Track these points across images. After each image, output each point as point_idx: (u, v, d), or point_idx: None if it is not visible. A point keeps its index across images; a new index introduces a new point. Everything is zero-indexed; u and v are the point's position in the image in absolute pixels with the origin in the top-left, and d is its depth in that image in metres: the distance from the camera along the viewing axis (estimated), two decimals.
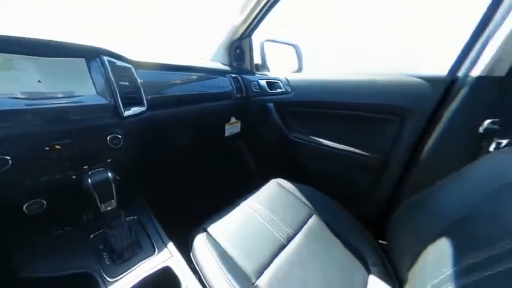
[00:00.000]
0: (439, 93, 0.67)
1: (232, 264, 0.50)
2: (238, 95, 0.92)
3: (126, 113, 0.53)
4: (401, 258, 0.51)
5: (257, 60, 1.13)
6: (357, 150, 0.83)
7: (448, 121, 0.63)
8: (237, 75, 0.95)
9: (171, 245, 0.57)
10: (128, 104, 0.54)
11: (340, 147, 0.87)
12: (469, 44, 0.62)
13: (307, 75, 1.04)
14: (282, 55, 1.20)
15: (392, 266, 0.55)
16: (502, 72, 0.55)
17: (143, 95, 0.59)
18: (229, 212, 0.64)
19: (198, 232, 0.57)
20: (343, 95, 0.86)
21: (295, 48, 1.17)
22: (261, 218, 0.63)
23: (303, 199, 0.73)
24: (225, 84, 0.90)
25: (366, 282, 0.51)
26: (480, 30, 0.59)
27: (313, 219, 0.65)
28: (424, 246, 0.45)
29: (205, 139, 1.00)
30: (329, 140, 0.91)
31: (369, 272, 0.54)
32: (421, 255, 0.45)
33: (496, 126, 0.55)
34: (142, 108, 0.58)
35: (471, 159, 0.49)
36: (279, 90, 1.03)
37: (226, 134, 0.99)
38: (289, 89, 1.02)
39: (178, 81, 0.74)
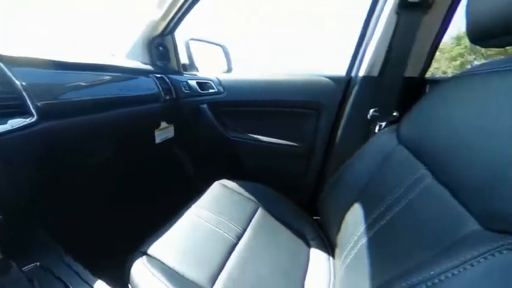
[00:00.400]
0: (341, 90, 0.84)
1: (183, 281, 0.46)
2: (168, 97, 0.85)
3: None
4: (330, 227, 0.62)
5: (184, 60, 1.07)
6: (286, 142, 0.94)
7: (348, 112, 0.81)
8: (162, 76, 0.87)
9: (99, 285, 0.46)
10: (3, 116, 0.40)
11: (273, 141, 0.96)
12: (357, 48, 0.81)
13: (238, 75, 1.08)
14: (210, 55, 1.19)
15: (326, 235, 0.65)
16: (375, 73, 0.76)
17: (29, 102, 0.45)
18: (171, 225, 0.59)
19: (135, 257, 0.49)
20: (270, 93, 0.96)
21: (222, 48, 1.18)
22: (207, 224, 0.61)
23: (248, 195, 0.75)
24: (149, 85, 0.80)
25: (308, 255, 0.59)
26: (363, 35, 0.79)
27: (259, 212, 0.69)
28: (345, 213, 0.56)
29: (130, 150, 0.87)
30: (263, 136, 0.98)
31: (309, 246, 0.62)
32: (343, 221, 0.56)
33: (377, 114, 0.75)
34: (30, 120, 0.44)
35: (365, 140, 0.65)
36: (211, 90, 1.02)
37: (157, 140, 0.89)
38: (222, 89, 1.02)
39: (84, 83, 0.60)
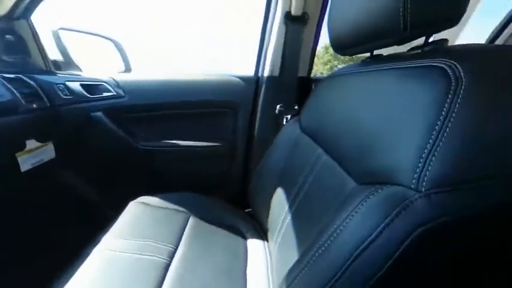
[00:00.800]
0: (252, 89, 0.92)
1: None
2: (35, 105, 0.62)
3: None
4: (261, 214, 0.67)
5: (56, 55, 0.81)
6: (207, 144, 0.93)
7: (261, 109, 0.90)
8: (20, 76, 0.62)
9: None
10: None
11: (192, 144, 0.92)
12: (259, 50, 0.90)
13: (140, 75, 0.94)
14: (100, 51, 0.96)
15: (259, 223, 0.70)
16: (276, 73, 0.88)
17: None
18: (75, 271, 0.44)
19: None
20: (182, 94, 0.90)
21: (114, 43, 0.98)
22: (126, 254, 0.50)
23: (174, 207, 0.69)
24: None
25: (245, 247, 0.62)
26: (262, 39, 0.89)
27: (191, 222, 0.65)
28: (271, 198, 0.63)
29: None
30: (180, 140, 0.92)
31: (245, 238, 0.65)
32: (270, 205, 0.63)
33: (282, 109, 0.88)
34: None
35: (277, 131, 0.74)
36: (106, 94, 0.83)
37: (25, 167, 0.64)
38: (122, 92, 0.86)
39: None
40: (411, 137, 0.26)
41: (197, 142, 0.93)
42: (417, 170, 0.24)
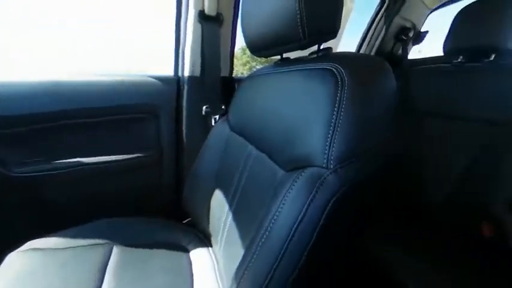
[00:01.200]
0: (174, 90, 0.85)
1: None
2: None
3: None
4: (202, 221, 0.64)
5: None
6: (128, 156, 0.79)
7: (186, 111, 0.84)
8: None
9: None
10: None
11: (106, 159, 0.76)
12: (176, 49, 0.84)
13: (13, 78, 0.66)
14: None
15: (201, 231, 0.67)
16: (198, 73, 0.84)
17: None
18: None
19: None
20: (83, 99, 0.71)
21: None
22: None
23: (87, 241, 0.55)
24: None
25: (189, 261, 0.58)
26: (178, 38, 0.83)
27: (115, 253, 0.54)
28: (209, 203, 0.61)
29: None
30: (87, 157, 0.74)
31: (187, 251, 0.60)
32: (210, 210, 0.61)
33: (209, 109, 0.86)
34: None
35: (206, 133, 0.72)
36: None
37: None
38: None
39: None
40: (318, 127, 0.32)
41: (111, 156, 0.77)
42: (325, 152, 0.30)
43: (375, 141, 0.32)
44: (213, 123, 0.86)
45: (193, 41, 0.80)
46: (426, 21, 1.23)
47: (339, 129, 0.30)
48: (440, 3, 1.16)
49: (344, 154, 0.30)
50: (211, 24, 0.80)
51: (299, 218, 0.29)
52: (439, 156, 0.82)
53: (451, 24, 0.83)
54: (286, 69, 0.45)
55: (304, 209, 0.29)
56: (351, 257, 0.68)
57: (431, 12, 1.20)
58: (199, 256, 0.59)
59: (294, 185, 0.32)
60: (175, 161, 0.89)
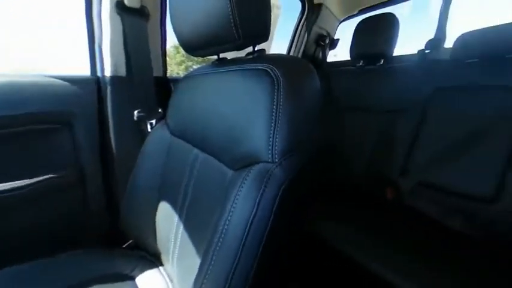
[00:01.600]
0: (93, 92, 0.70)
1: None
2: None
3: None
4: (147, 240, 0.57)
5: None
6: (35, 179, 0.61)
7: (112, 117, 0.72)
8: None
9: None
10: None
11: (6, 187, 0.56)
12: (90, 46, 0.70)
13: None
14: None
15: (147, 251, 0.59)
16: (123, 73, 0.73)
17: None
18: None
19: None
20: None
21: None
22: None
23: None
24: None
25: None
26: (91, 34, 0.69)
27: None
28: (154, 217, 0.55)
29: None
30: None
31: (132, 279, 0.52)
32: (156, 225, 0.55)
33: (143, 114, 0.76)
34: None
35: (142, 141, 0.64)
36: None
37: None
38: None
39: None
40: (260, 124, 0.34)
41: (13, 183, 0.57)
42: (270, 147, 0.32)
43: (308, 134, 0.37)
44: (149, 129, 0.77)
45: (113, 36, 0.69)
46: (343, 29, 1.48)
47: (279, 125, 0.32)
48: (347, 16, 1.42)
49: (286, 148, 0.33)
50: (135, 18, 0.71)
51: (252, 214, 0.30)
52: (355, 141, 1.02)
53: (353, 35, 1.05)
54: (224, 69, 0.45)
55: (256, 204, 0.30)
56: (304, 240, 0.76)
57: (340, 23, 1.45)
58: (148, 280, 0.52)
59: (244, 183, 0.32)
60: (103, 177, 0.75)
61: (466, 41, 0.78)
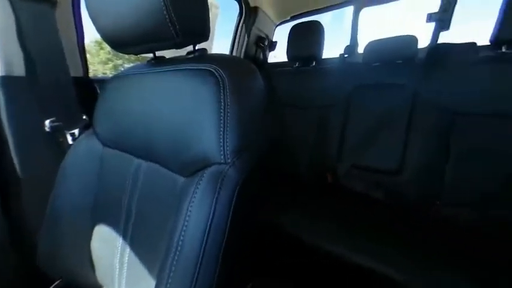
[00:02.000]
0: None
1: None
2: None
3: None
4: (80, 274, 0.47)
5: None
6: None
7: (12, 129, 0.55)
8: None
9: None
10: None
11: None
12: None
13: None
14: None
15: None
16: (22, 72, 0.56)
17: None
18: None
19: None
20: None
21: None
22: None
23: None
24: None
25: None
26: None
27: None
28: (88, 244, 0.46)
29: None
30: None
31: None
32: (93, 253, 0.46)
33: (59, 123, 0.61)
34: None
35: (59, 155, 0.52)
36: None
37: None
38: None
39: None
40: (210, 126, 0.33)
41: None
42: (221, 149, 0.32)
43: (257, 132, 0.38)
44: (70, 141, 0.63)
45: (2, 26, 0.53)
46: (281, 33, 1.57)
47: (228, 126, 0.32)
48: (282, 21, 1.53)
49: (237, 147, 0.33)
50: (35, 4, 0.56)
51: (209, 219, 0.29)
52: (298, 135, 1.14)
53: (288, 38, 1.16)
54: (163, 68, 0.42)
55: (212, 208, 0.29)
56: (264, 233, 0.79)
57: (276, 26, 1.55)
58: None
59: (198, 188, 0.31)
60: (3, 209, 0.57)
61: (371, 48, 0.99)
